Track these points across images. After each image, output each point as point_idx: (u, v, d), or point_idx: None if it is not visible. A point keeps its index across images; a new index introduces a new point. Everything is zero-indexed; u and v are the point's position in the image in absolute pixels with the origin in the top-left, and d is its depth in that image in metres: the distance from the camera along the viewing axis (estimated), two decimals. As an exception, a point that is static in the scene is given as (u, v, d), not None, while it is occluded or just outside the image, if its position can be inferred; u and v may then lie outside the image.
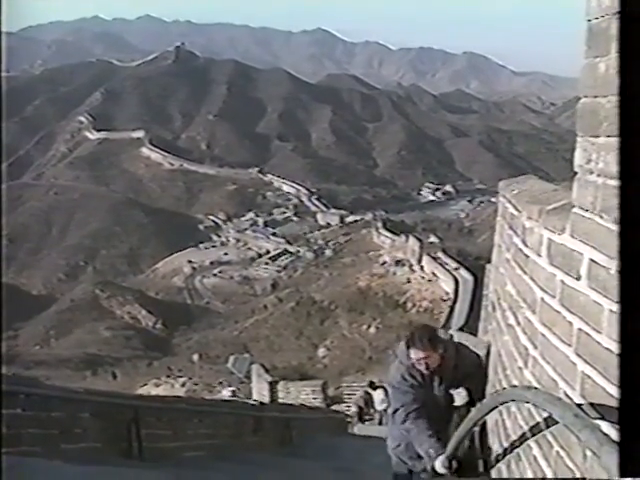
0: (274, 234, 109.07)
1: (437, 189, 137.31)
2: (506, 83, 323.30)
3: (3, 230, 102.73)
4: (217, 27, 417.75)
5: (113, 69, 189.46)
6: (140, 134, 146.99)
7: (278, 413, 9.17)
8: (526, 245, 3.12)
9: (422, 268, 73.12)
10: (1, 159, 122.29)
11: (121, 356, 65.76)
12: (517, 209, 3.41)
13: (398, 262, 77.04)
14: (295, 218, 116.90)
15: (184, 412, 6.48)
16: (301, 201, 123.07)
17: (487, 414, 3.03)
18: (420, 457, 4.71)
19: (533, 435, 2.80)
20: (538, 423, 2.70)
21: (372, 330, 65.75)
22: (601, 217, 2.10)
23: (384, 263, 79.25)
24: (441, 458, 4.00)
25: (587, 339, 2.17)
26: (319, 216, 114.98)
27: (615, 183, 2.00)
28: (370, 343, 62.86)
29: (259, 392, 21.07)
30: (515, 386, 2.96)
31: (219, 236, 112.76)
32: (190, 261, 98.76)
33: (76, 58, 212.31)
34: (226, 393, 26.75)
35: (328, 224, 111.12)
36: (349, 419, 16.40)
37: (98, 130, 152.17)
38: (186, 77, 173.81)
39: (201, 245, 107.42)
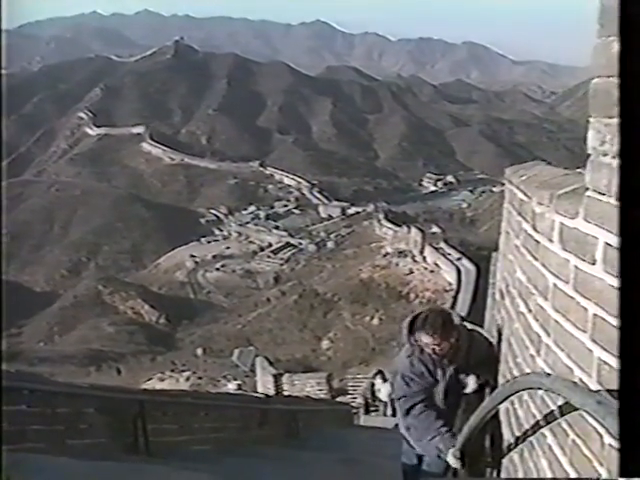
0: (276, 227, 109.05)
1: (438, 180, 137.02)
2: (506, 72, 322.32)
3: (4, 228, 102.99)
4: (216, 21, 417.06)
5: (112, 65, 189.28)
6: (140, 129, 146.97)
7: (284, 405, 9.13)
8: (536, 231, 3.05)
9: (424, 259, 73.14)
10: (1, 156, 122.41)
11: (125, 351, 65.90)
12: (526, 195, 3.34)
13: (400, 253, 77.04)
14: (297, 211, 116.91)
15: (190, 406, 6.45)
16: (302, 194, 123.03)
17: (501, 403, 2.91)
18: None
19: (547, 423, 2.73)
20: (552, 411, 2.64)
21: (375, 322, 65.86)
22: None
23: (386, 254, 79.26)
24: (453, 450, 3.79)
25: (603, 324, 2.10)
26: (321, 208, 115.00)
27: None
28: (373, 335, 62.96)
29: (264, 385, 21.09)
30: (529, 373, 2.89)
31: (221, 230, 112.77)
32: (192, 255, 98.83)
33: (75, 54, 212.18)
34: (231, 386, 26.84)
35: (330, 216, 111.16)
36: (355, 411, 16.36)
37: (98, 126, 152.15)
38: (185, 71, 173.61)
39: (203, 239, 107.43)
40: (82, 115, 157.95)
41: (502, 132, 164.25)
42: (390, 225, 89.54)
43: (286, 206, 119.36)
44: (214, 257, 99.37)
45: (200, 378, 46.67)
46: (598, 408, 1.81)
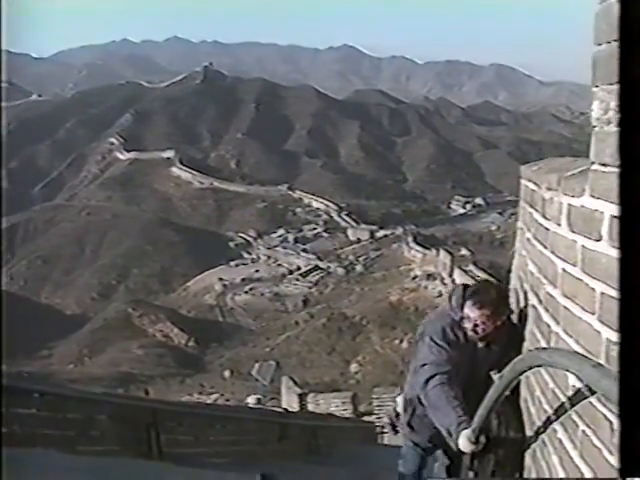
0: (304, 250, 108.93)
1: (467, 202, 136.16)
2: (534, 94, 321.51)
3: (37, 251, 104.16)
4: (244, 46, 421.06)
5: (142, 90, 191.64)
6: (170, 154, 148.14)
7: (305, 421, 9.02)
8: (546, 218, 3.01)
9: (453, 282, 72.63)
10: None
11: (154, 374, 65.99)
12: (536, 184, 3.30)
13: (429, 276, 76.67)
14: (325, 234, 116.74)
15: (206, 417, 6.37)
16: (331, 217, 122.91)
17: (509, 386, 2.83)
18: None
19: (557, 418, 2.68)
20: (563, 404, 2.59)
21: (404, 345, 65.36)
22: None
23: (415, 277, 78.91)
24: (467, 432, 3.40)
25: (610, 303, 2.07)
26: (349, 232, 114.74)
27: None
28: (402, 358, 62.40)
29: (288, 404, 20.93)
30: (529, 352, 2.87)
31: (250, 253, 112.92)
32: (221, 279, 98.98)
33: (106, 80, 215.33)
34: (251, 400, 26.61)
35: (358, 239, 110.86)
36: (379, 430, 16.16)
37: (128, 151, 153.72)
38: (214, 96, 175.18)
39: (232, 262, 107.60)
40: (113, 140, 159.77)
41: (531, 153, 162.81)
42: (419, 248, 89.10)
43: (315, 229, 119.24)
44: (243, 280, 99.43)
45: (228, 400, 46.63)
46: (593, 372, 1.82)
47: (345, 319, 73.51)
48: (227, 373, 62.03)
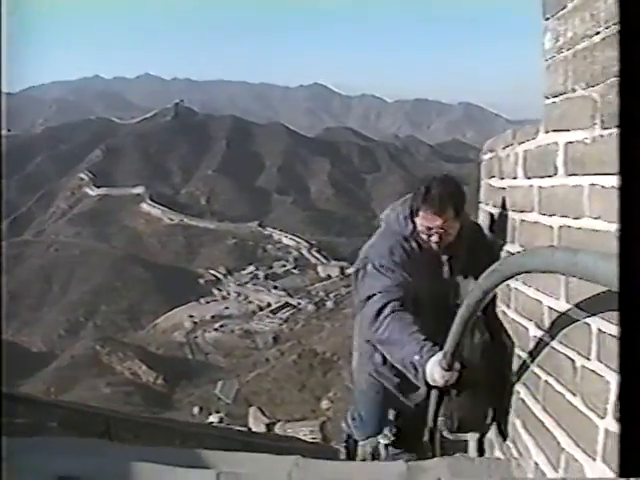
0: (275, 287, 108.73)
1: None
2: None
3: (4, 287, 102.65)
4: (216, 84, 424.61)
5: (113, 126, 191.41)
6: (140, 190, 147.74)
7: (269, 441, 8.83)
8: (502, 178, 3.03)
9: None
10: (1, 215, 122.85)
11: (121, 412, 64.89)
12: (493, 150, 3.32)
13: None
14: (296, 271, 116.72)
15: (164, 430, 6.18)
16: (301, 254, 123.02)
17: (483, 300, 2.43)
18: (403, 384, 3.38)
19: (519, 379, 2.73)
20: (525, 362, 2.65)
21: (375, 381, 65.12)
22: (574, 90, 2.05)
23: (386, 313, 78.91)
24: (436, 356, 2.76)
25: (570, 234, 2.13)
26: (320, 268, 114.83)
27: (587, 44, 1.99)
28: (373, 394, 62.16)
29: (257, 435, 20.71)
30: (509, 257, 2.70)
31: (220, 290, 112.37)
32: (191, 316, 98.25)
33: (77, 116, 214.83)
34: (213, 419, 26.16)
35: (329, 276, 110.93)
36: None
37: (98, 187, 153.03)
38: (185, 133, 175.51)
39: (202, 299, 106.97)
40: (83, 176, 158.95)
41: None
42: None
43: (285, 266, 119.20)
44: (213, 317, 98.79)
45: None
46: (587, 258, 1.59)
47: (316, 355, 73.19)
48: (196, 410, 61.17)
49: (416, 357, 2.81)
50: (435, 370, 2.73)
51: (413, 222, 3.26)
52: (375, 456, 3.66)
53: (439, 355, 2.73)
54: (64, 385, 76.34)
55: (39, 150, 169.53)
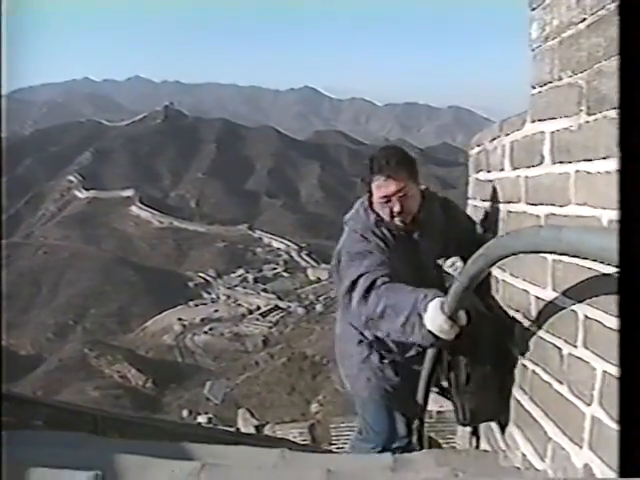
0: (264, 290, 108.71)
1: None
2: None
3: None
4: (206, 87, 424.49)
5: (103, 129, 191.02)
6: (130, 193, 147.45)
7: (256, 441, 8.79)
8: (489, 170, 3.02)
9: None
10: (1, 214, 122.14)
11: (110, 416, 64.58)
12: (481, 144, 3.32)
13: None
14: (285, 274, 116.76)
15: (152, 429, 6.13)
16: (291, 257, 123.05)
17: (467, 293, 2.33)
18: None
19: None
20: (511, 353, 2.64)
21: (364, 384, 65.06)
22: (560, 78, 2.06)
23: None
24: (436, 301, 2.50)
25: (555, 220, 2.14)
26: (309, 271, 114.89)
27: (573, 31, 2.01)
28: (363, 397, 62.09)
29: (246, 436, 20.65)
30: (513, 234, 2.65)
31: (209, 293, 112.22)
32: (180, 319, 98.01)
33: (66, 118, 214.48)
34: (202, 419, 26.10)
35: (318, 279, 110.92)
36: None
37: (87, 189, 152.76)
38: (175, 136, 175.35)
39: (191, 302, 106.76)
40: (72, 178, 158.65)
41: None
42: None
43: (275, 269, 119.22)
44: (202, 320, 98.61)
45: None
46: (585, 236, 1.56)
47: (305, 358, 73.16)
48: (185, 413, 61.06)
49: (422, 304, 2.54)
50: (437, 314, 2.47)
51: (373, 211, 3.11)
52: None
53: (442, 298, 2.49)
54: (52, 389, 75.90)
55: (28, 152, 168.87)
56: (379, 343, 3.23)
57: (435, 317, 2.46)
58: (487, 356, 2.70)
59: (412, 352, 3.18)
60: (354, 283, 2.86)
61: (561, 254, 1.75)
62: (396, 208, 3.00)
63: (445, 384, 2.95)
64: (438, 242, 3.20)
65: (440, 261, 2.98)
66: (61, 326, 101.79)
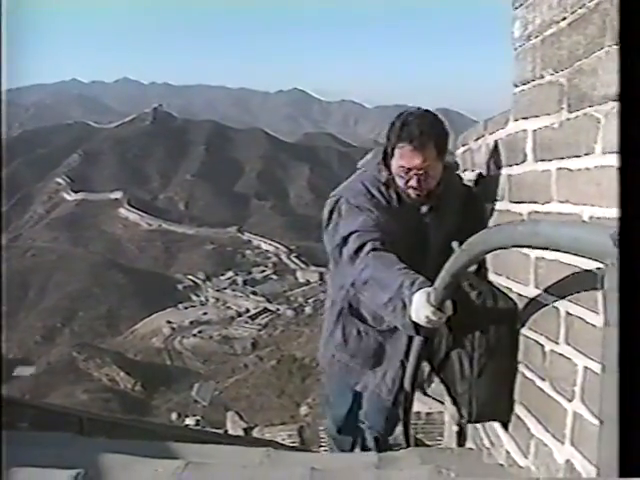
0: (254, 293, 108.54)
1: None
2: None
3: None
4: (195, 89, 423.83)
5: (91, 131, 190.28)
6: (118, 195, 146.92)
7: (242, 443, 8.77)
8: (474, 169, 3.04)
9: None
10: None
11: (99, 419, 64.30)
12: (466, 143, 3.33)
13: (379, 317, 76.82)
14: (274, 276, 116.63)
15: (138, 431, 6.12)
16: (280, 259, 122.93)
17: (450, 290, 2.28)
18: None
19: None
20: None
21: (354, 386, 65.03)
22: (542, 76, 2.07)
23: (364, 318, 78.97)
24: (423, 290, 2.36)
25: (537, 217, 2.14)
26: (298, 274, 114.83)
27: (554, 30, 2.01)
28: (352, 399, 62.08)
29: (234, 439, 20.61)
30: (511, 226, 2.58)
31: (198, 296, 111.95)
32: (169, 321, 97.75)
33: (54, 120, 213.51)
34: (190, 422, 26.09)
35: (308, 281, 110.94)
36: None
37: (76, 191, 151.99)
38: (164, 138, 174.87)
39: (180, 305, 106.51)
40: (60, 180, 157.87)
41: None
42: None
43: (264, 271, 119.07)
44: (191, 323, 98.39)
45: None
46: (548, 226, 1.59)
47: (295, 361, 73.09)
48: (174, 416, 60.94)
49: (406, 291, 2.39)
50: (422, 305, 2.34)
51: (388, 167, 2.88)
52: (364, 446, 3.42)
53: (428, 289, 2.35)
54: (40, 393, 75.50)
55: (16, 154, 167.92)
56: (353, 313, 3.09)
57: (419, 309, 2.34)
58: (504, 348, 2.50)
59: (385, 326, 3.01)
60: (345, 239, 2.76)
61: (538, 248, 1.77)
62: (413, 182, 2.79)
63: (437, 378, 2.83)
64: (450, 223, 2.94)
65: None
66: (49, 329, 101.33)
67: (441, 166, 2.82)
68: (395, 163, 2.79)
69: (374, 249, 2.63)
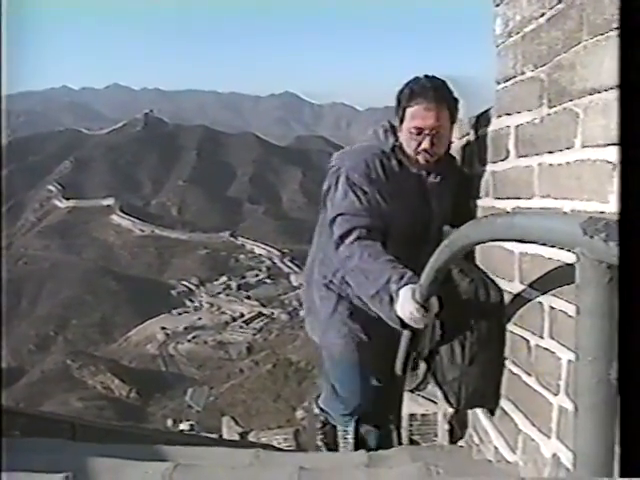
0: (248, 297, 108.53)
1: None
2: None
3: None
4: (185, 94, 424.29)
5: (82, 138, 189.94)
6: (110, 201, 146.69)
7: (237, 446, 8.75)
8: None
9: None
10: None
11: (94, 427, 64.14)
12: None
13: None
14: (268, 280, 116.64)
15: (132, 437, 6.10)
16: (274, 263, 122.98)
17: (433, 286, 2.25)
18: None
19: None
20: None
21: (350, 389, 64.98)
22: (523, 72, 2.08)
23: (359, 321, 79.00)
24: (408, 287, 2.36)
25: (521, 213, 2.11)
26: (292, 277, 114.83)
27: (534, 26, 2.02)
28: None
29: (230, 443, 20.57)
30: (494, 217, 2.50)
31: (192, 301, 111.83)
32: (163, 327, 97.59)
33: (45, 127, 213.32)
34: (184, 427, 26.04)
35: (301, 285, 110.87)
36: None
37: (67, 199, 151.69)
38: (155, 144, 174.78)
39: (174, 311, 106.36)
40: (51, 188, 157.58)
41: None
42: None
43: (257, 276, 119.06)
44: (185, 329, 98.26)
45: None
46: (524, 217, 1.56)
47: (290, 365, 73.05)
48: (169, 422, 60.83)
49: (394, 286, 2.39)
50: (407, 300, 2.34)
51: (395, 135, 2.79)
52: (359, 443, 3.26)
53: (414, 286, 2.33)
54: (34, 401, 75.13)
55: (6, 162, 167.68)
56: (348, 292, 2.97)
57: (404, 305, 2.34)
58: (495, 335, 2.46)
59: None
60: (334, 218, 2.73)
61: (515, 240, 1.76)
62: (425, 144, 2.69)
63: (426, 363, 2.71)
64: (448, 200, 2.89)
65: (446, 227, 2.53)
66: (42, 337, 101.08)
67: (451, 132, 2.80)
68: (406, 125, 2.71)
69: (359, 237, 2.59)
